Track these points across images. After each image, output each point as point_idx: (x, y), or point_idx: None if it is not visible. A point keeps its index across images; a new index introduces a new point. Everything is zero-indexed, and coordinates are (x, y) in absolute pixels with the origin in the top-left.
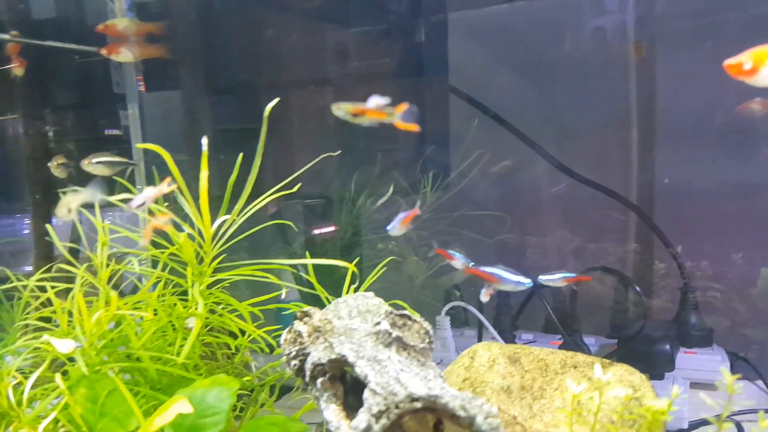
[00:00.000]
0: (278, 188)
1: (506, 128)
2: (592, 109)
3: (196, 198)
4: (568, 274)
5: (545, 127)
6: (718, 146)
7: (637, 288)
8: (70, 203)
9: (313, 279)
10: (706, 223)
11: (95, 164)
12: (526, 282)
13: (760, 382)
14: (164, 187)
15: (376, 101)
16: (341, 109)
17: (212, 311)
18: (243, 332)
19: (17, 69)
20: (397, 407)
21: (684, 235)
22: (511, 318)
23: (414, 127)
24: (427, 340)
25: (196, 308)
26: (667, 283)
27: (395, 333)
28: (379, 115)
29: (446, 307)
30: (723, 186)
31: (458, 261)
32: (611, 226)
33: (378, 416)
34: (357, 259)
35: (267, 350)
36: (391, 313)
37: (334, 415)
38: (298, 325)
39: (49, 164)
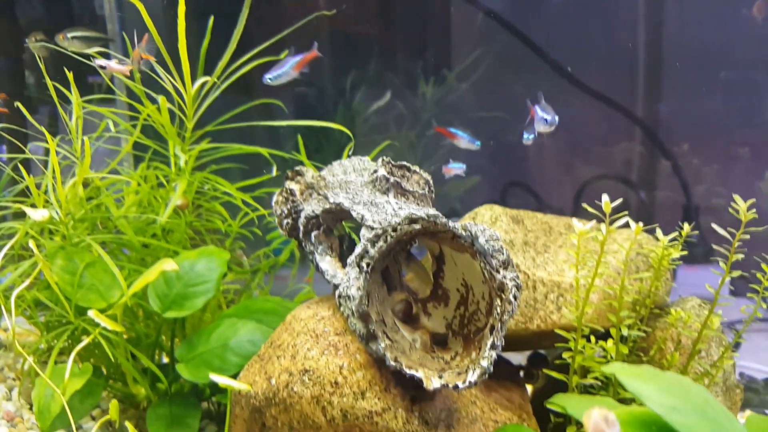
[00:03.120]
0: (263, 48)
1: (510, 32)
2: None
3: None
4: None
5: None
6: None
7: (641, 194)
8: None
9: (303, 157)
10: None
11: (71, 39)
12: (477, 142)
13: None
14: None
15: None
16: None
17: (200, 193)
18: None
19: None
20: (394, 230)
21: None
22: None
23: None
24: (427, 189)
25: (178, 173)
26: (669, 197)
27: (393, 178)
28: None
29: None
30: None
31: (462, 140)
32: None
33: (374, 240)
34: (351, 144)
35: (259, 232)
36: (388, 162)
37: (329, 266)
38: (290, 184)
39: (27, 42)
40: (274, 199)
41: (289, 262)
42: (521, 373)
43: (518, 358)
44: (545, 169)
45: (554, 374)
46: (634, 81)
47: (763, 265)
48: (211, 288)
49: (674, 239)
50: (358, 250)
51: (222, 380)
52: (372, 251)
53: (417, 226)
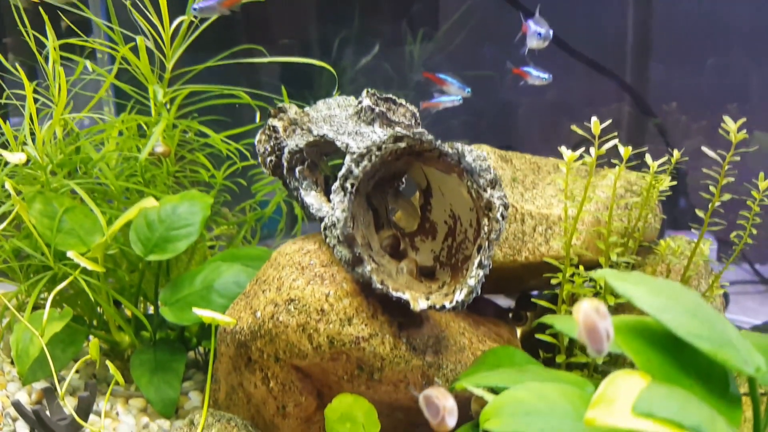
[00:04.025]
0: None
1: None
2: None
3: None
4: None
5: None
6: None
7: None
8: None
9: (287, 102)
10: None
11: None
12: (467, 89)
13: (746, 266)
14: None
15: None
16: None
17: (183, 145)
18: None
19: None
20: (379, 148)
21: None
22: None
23: None
24: (413, 122)
25: (158, 119)
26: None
27: (379, 108)
28: None
29: None
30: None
31: (451, 86)
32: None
33: (358, 160)
34: (337, 94)
35: (244, 183)
36: (374, 94)
37: (314, 200)
38: (273, 121)
39: None
40: (257, 137)
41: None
42: (510, 315)
43: (507, 303)
44: (534, 128)
45: (542, 303)
46: (622, 45)
47: (748, 211)
48: (194, 231)
49: (663, 168)
50: (342, 170)
51: (206, 313)
52: (356, 171)
53: (402, 144)
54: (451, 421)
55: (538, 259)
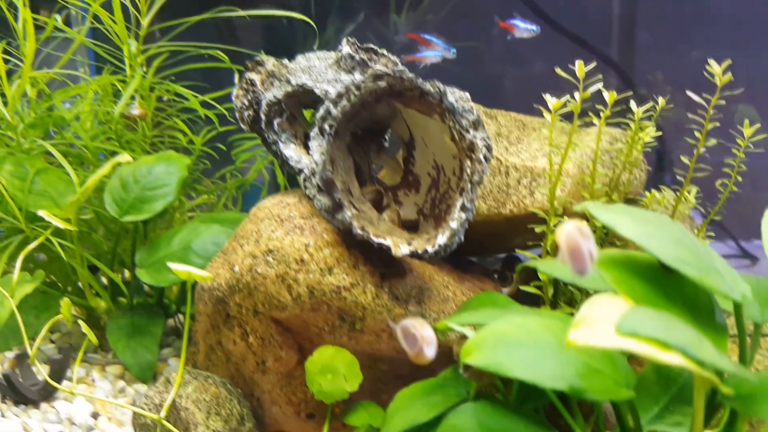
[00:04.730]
0: None
1: None
2: None
3: None
4: None
5: None
6: None
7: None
8: None
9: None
10: None
11: None
12: (452, 50)
13: (731, 243)
14: None
15: None
16: None
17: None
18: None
19: None
20: (358, 88)
21: None
22: None
23: None
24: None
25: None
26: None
27: (359, 56)
28: None
29: None
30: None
31: (437, 47)
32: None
33: (336, 100)
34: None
35: (223, 147)
36: (354, 43)
37: (293, 152)
38: (250, 75)
39: None
40: (234, 92)
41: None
42: (496, 276)
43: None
44: (520, 100)
45: (526, 253)
46: (607, 17)
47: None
48: (171, 192)
49: (649, 115)
50: (320, 112)
51: (182, 268)
52: (335, 111)
53: (382, 84)
54: (430, 351)
55: (522, 211)
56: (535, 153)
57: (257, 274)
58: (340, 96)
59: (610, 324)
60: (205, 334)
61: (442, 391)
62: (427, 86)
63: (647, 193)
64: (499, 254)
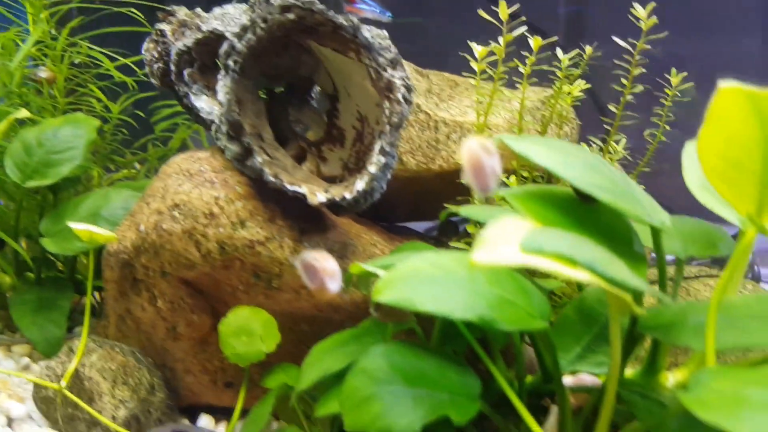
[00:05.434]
0: None
1: None
2: None
3: None
4: None
5: None
6: None
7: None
8: None
9: None
10: None
11: None
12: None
13: None
14: None
15: None
16: None
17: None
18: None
19: None
20: (264, 20)
21: None
22: None
23: None
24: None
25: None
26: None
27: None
28: None
29: None
30: None
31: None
32: None
33: (241, 34)
34: None
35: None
36: None
37: (205, 104)
38: (161, 25)
39: None
40: (144, 45)
41: None
42: (432, 242)
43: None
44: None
45: (451, 207)
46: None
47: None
48: (78, 155)
49: (576, 63)
50: (224, 47)
51: (82, 227)
52: (239, 45)
53: (291, 15)
54: (333, 284)
55: (452, 167)
56: (465, 109)
57: (163, 231)
58: (244, 29)
59: (515, 243)
60: (114, 302)
61: (359, 340)
62: (340, 19)
63: (583, 145)
64: (437, 220)
